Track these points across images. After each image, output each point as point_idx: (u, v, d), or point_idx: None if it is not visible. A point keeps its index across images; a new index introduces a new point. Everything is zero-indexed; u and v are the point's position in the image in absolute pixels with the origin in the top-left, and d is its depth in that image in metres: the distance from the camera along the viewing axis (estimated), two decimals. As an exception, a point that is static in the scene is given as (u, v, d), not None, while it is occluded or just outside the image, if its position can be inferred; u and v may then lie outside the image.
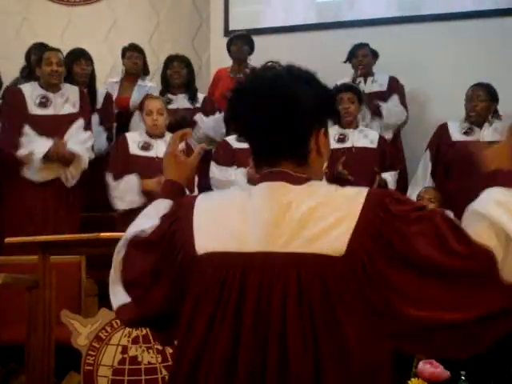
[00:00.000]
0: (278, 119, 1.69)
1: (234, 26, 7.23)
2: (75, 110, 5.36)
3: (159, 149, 5.22)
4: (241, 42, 6.54)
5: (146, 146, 5.26)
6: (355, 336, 1.56)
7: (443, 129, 5.83)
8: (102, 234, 3.37)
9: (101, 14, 7.73)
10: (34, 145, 5.18)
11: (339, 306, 1.57)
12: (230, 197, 1.75)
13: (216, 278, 1.64)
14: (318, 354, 1.55)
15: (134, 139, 5.31)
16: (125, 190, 5.12)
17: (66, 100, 5.36)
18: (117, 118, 6.14)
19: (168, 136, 5.33)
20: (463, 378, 3.66)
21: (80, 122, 5.39)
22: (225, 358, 1.59)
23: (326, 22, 7.05)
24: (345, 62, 6.43)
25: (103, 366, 3.40)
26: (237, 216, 1.67)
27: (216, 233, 1.68)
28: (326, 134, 1.77)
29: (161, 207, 1.88)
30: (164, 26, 7.80)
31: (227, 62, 6.62)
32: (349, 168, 5.42)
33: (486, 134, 5.70)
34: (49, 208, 5.31)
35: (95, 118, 5.78)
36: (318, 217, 1.61)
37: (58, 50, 5.48)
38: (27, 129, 5.23)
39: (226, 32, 7.17)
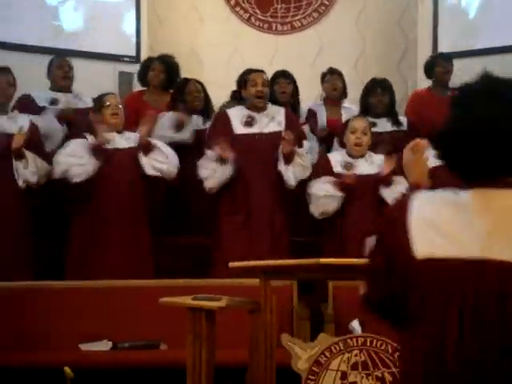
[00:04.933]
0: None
1: (442, 47, 7.11)
2: (280, 128, 5.54)
3: (358, 169, 5.32)
4: (445, 63, 6.35)
5: (348, 166, 5.37)
6: None
7: None
8: (322, 260, 3.42)
9: (307, 41, 7.90)
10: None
11: None
12: (445, 200, 1.72)
13: (439, 286, 1.64)
14: None
15: (336, 159, 5.45)
16: None
17: (272, 119, 5.59)
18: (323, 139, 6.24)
19: (370, 156, 5.41)
20: None
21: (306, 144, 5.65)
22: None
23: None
24: None
25: (323, 390, 3.43)
26: (454, 221, 1.67)
27: (434, 237, 1.66)
28: None
29: None
30: (369, 51, 7.83)
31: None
32: None
33: None
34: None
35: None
36: None
37: (263, 72, 5.68)
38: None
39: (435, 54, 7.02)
